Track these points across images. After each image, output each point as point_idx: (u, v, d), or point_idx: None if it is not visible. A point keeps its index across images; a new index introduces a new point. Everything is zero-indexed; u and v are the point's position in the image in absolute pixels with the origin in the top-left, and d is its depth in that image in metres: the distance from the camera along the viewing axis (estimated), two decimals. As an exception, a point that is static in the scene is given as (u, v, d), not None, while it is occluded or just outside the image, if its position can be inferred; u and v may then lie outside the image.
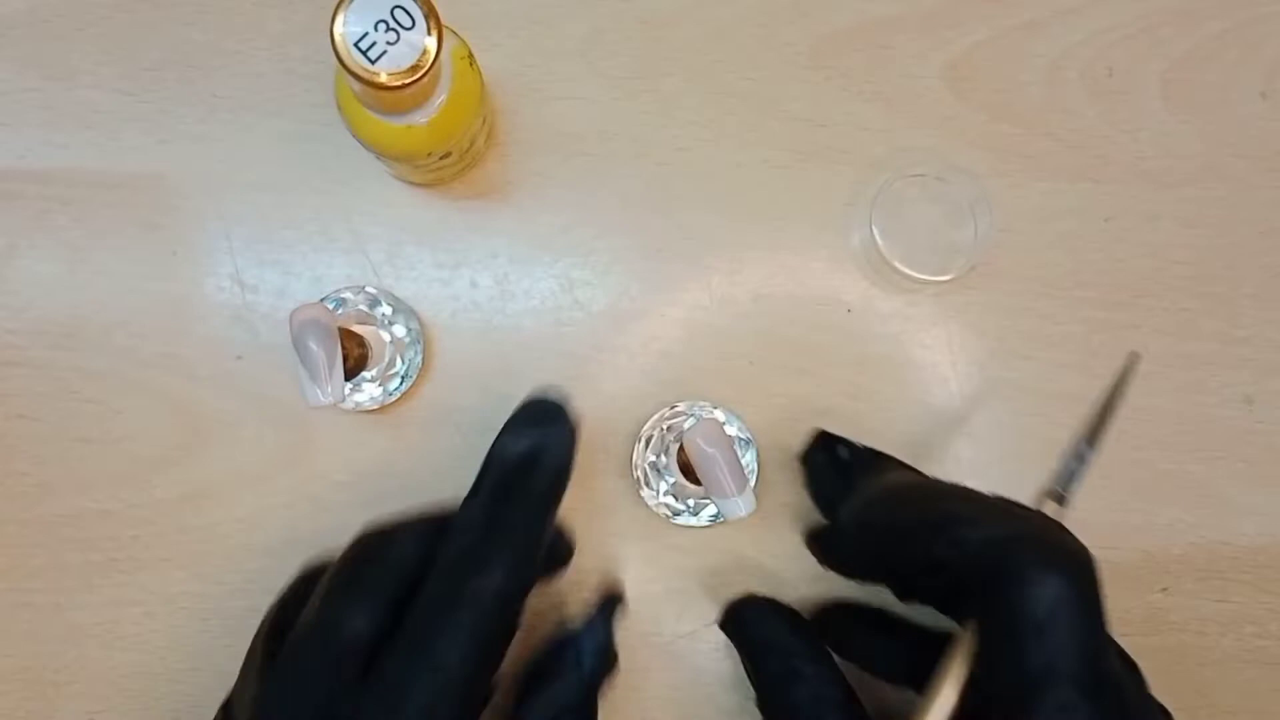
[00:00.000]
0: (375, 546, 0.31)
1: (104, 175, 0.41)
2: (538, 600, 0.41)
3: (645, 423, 0.41)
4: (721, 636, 0.42)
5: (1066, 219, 0.44)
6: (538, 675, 0.34)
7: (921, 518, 0.31)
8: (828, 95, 0.43)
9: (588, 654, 0.34)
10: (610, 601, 0.36)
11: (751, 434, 0.41)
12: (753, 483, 0.40)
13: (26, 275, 0.41)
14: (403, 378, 0.40)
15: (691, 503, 0.40)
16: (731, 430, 0.41)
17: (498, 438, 0.32)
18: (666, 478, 0.40)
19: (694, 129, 0.43)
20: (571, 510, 0.42)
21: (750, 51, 0.43)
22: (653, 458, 0.40)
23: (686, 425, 0.39)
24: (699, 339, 0.42)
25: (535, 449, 0.31)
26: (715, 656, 0.42)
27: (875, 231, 0.41)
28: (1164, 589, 0.43)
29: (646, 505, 0.41)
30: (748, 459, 0.41)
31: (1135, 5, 0.44)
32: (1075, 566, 0.28)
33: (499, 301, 0.42)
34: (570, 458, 0.32)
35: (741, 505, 0.34)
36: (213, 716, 0.33)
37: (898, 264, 0.41)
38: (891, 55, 0.43)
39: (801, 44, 0.43)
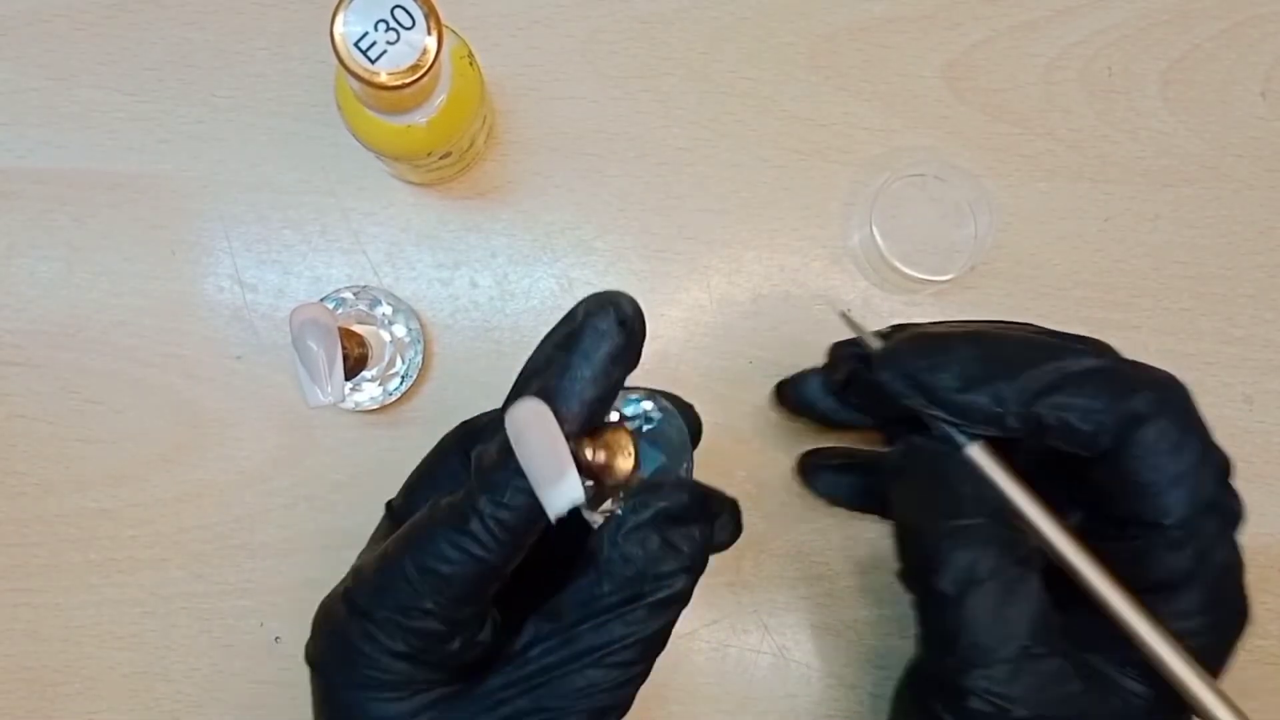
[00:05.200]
0: (450, 441, 0.33)
1: (104, 175, 0.41)
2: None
3: None
4: (720, 636, 0.42)
5: (1066, 219, 0.44)
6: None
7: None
8: (827, 95, 0.43)
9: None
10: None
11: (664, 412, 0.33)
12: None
13: (27, 275, 0.41)
14: (403, 378, 0.40)
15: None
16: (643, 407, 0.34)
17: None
18: None
19: (694, 129, 0.43)
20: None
21: (750, 51, 0.43)
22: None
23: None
24: (699, 339, 0.42)
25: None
26: (715, 656, 0.42)
27: (875, 231, 0.42)
28: (1164, 589, 0.43)
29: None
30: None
31: (1135, 5, 0.44)
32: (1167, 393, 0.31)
33: (499, 301, 0.42)
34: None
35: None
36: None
37: (898, 264, 0.41)
38: (890, 55, 0.43)
39: (801, 44, 0.43)
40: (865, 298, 0.43)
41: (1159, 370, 0.31)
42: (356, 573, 0.30)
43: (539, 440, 0.27)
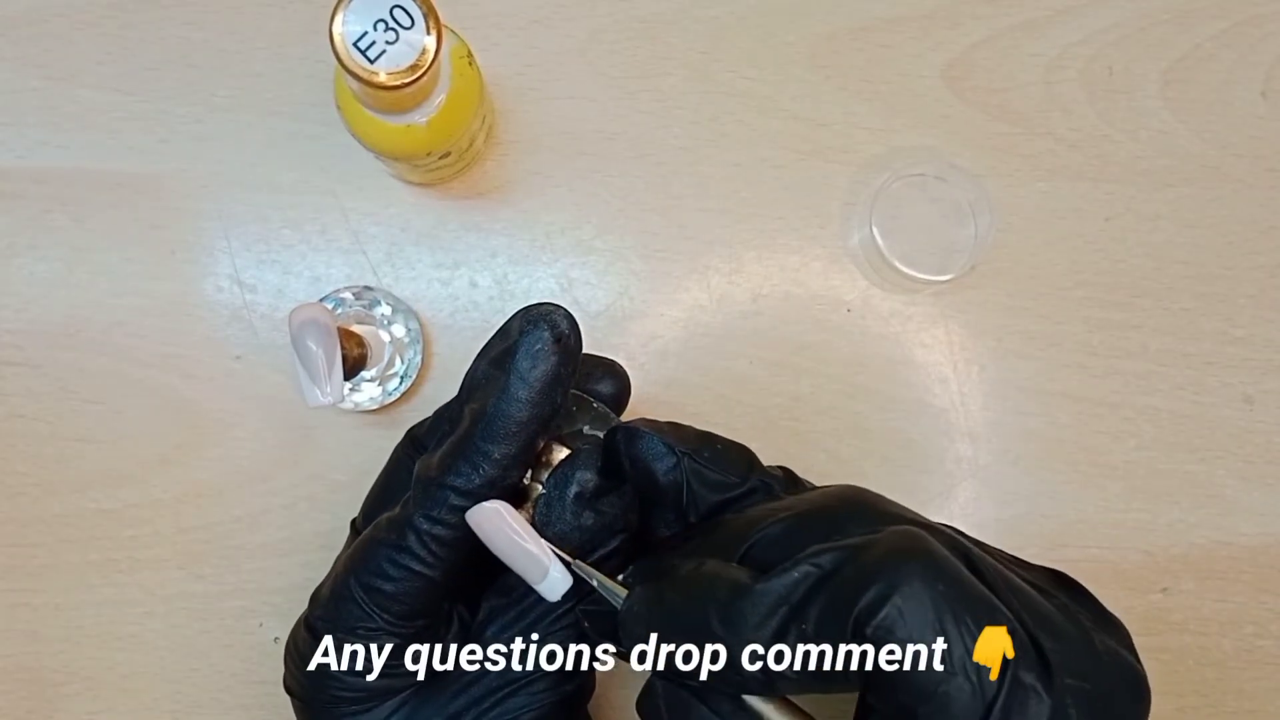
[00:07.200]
0: (400, 453, 0.34)
1: (104, 175, 0.41)
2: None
3: None
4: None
5: (1066, 219, 0.44)
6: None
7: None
8: (827, 95, 0.43)
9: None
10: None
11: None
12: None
13: (26, 275, 0.41)
14: (402, 378, 0.40)
15: None
16: None
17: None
18: None
19: (694, 129, 0.43)
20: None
21: (750, 51, 0.43)
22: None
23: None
24: (698, 339, 0.42)
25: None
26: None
27: (875, 231, 0.41)
28: (1164, 589, 0.43)
29: None
30: None
31: (1135, 5, 0.44)
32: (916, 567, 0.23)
33: (498, 301, 0.42)
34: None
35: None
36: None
37: (898, 264, 0.41)
38: (891, 55, 0.43)
39: (801, 44, 0.43)
40: (865, 298, 0.43)
41: (890, 539, 0.23)
42: (315, 597, 0.31)
43: (510, 542, 0.27)
